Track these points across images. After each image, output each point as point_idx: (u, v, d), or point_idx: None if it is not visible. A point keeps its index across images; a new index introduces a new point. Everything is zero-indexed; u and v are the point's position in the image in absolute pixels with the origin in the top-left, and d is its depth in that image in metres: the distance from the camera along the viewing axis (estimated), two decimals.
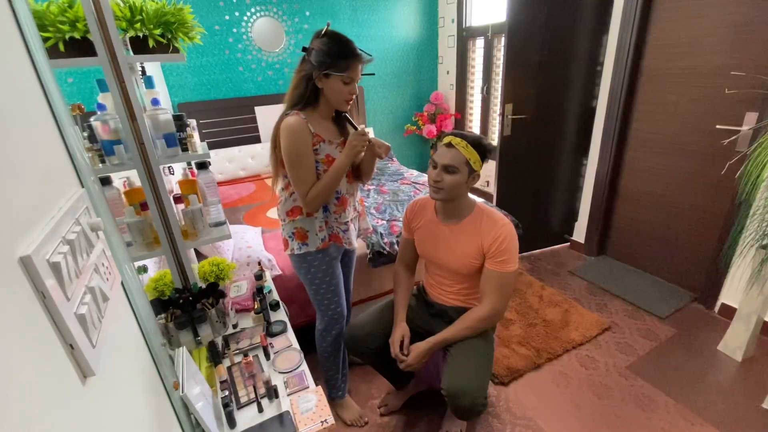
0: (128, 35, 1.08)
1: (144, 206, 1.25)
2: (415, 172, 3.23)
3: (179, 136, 1.22)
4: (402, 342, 1.40)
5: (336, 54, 1.22)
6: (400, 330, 1.42)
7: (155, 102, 1.19)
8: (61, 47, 1.02)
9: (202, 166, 1.35)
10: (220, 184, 3.23)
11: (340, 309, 1.54)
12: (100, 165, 1.16)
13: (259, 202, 2.83)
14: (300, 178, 1.30)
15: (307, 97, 1.30)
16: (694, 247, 2.32)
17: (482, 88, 3.68)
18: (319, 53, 1.22)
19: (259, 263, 1.71)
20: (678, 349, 1.98)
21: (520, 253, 1.33)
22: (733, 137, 1.96)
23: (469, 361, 1.31)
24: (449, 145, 1.26)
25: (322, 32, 1.24)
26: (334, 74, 1.23)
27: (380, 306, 1.55)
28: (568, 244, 3.07)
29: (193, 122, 1.35)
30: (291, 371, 1.30)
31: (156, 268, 1.65)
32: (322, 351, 1.59)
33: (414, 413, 1.70)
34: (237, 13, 3.18)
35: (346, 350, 1.63)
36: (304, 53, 1.28)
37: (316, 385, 1.24)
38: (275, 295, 1.68)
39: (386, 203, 2.55)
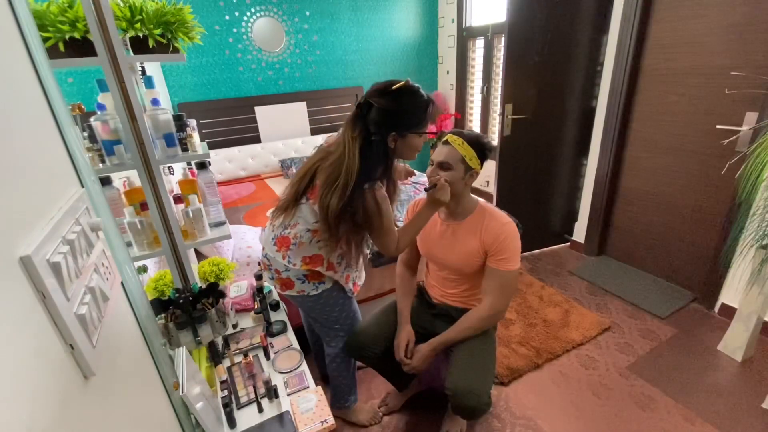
0: (128, 35, 1.08)
1: (144, 206, 1.25)
2: (416, 172, 3.23)
3: (179, 136, 1.23)
4: (407, 345, 1.40)
5: (423, 108, 1.15)
6: (405, 334, 1.41)
7: (155, 102, 1.19)
8: (61, 47, 1.02)
9: (202, 166, 1.35)
10: (220, 184, 3.23)
11: (359, 315, 1.50)
12: (100, 165, 1.16)
13: (259, 202, 2.83)
14: (389, 234, 1.22)
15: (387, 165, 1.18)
16: (694, 247, 2.32)
17: (482, 88, 3.68)
18: (398, 114, 1.12)
19: (259, 263, 1.71)
20: (678, 349, 1.98)
21: (521, 252, 1.33)
22: (733, 137, 1.95)
23: (472, 361, 1.31)
24: (446, 142, 1.27)
25: (397, 88, 1.11)
26: (417, 131, 1.16)
27: (382, 309, 1.54)
28: (568, 244, 3.07)
29: (193, 122, 1.35)
30: (291, 371, 1.30)
31: (156, 268, 1.65)
32: (338, 364, 1.50)
33: (414, 413, 1.70)
34: (237, 13, 3.18)
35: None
36: (361, 119, 1.13)
37: (316, 385, 1.24)
38: (275, 295, 1.68)
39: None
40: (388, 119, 1.12)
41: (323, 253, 1.26)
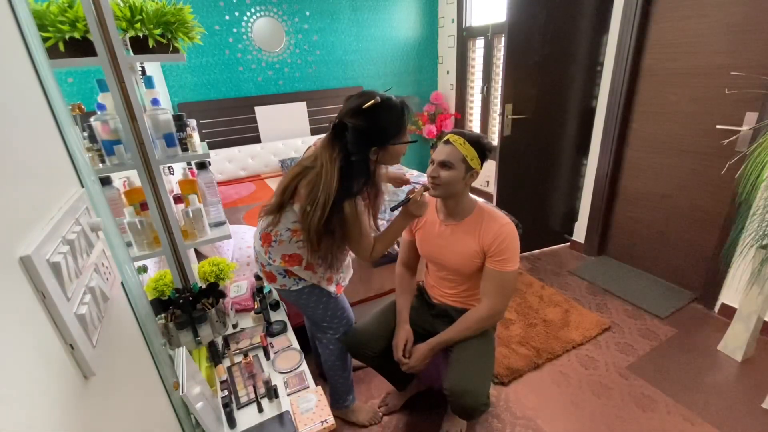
0: (128, 35, 1.08)
1: (144, 206, 1.25)
2: (416, 172, 3.23)
3: (179, 136, 1.23)
4: (405, 345, 1.40)
5: (400, 119, 1.15)
6: (404, 333, 1.41)
7: (155, 102, 1.19)
8: (61, 47, 1.02)
9: (202, 166, 1.35)
10: (220, 184, 3.22)
11: (349, 314, 1.50)
12: (100, 165, 1.16)
13: (259, 202, 2.83)
14: (363, 241, 1.25)
15: (370, 178, 1.20)
16: (694, 247, 2.32)
17: (482, 88, 3.68)
18: (376, 131, 1.13)
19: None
20: (678, 349, 1.97)
21: (520, 253, 1.33)
22: (733, 137, 1.95)
23: (471, 361, 1.31)
24: (447, 142, 1.28)
25: (369, 107, 1.10)
26: (398, 141, 1.17)
27: (382, 309, 1.55)
28: (568, 244, 3.07)
29: (193, 122, 1.35)
30: (291, 371, 1.30)
31: (156, 268, 1.65)
32: (332, 363, 1.51)
33: (414, 413, 1.70)
34: (237, 13, 3.18)
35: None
36: (338, 139, 1.14)
37: (316, 385, 1.24)
38: (275, 295, 1.68)
39: (386, 203, 2.55)
40: (367, 137, 1.13)
41: (302, 254, 1.28)
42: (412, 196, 1.24)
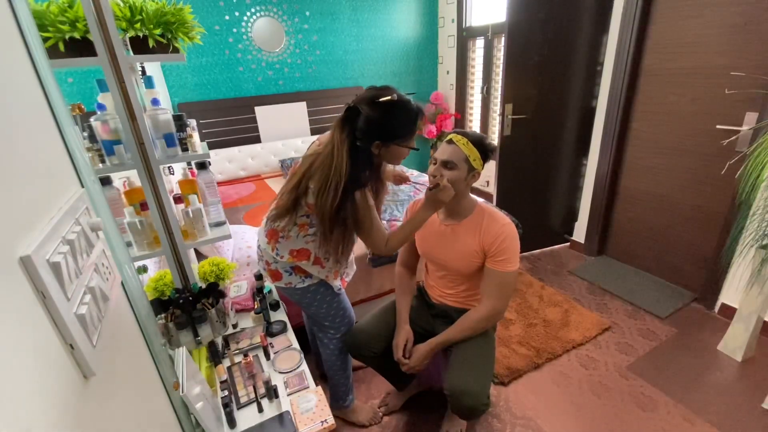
0: (128, 35, 1.08)
1: (144, 206, 1.25)
2: (415, 172, 3.23)
3: (179, 136, 1.23)
4: (405, 345, 1.40)
5: (410, 122, 1.16)
6: (404, 333, 1.41)
7: (155, 102, 1.19)
8: (61, 47, 1.02)
9: (202, 166, 1.35)
10: (220, 184, 3.22)
11: (350, 313, 1.50)
12: (100, 165, 1.16)
13: (259, 202, 2.83)
14: (375, 233, 1.24)
15: (373, 170, 1.22)
16: (695, 247, 2.32)
17: (482, 88, 3.68)
18: (384, 126, 1.13)
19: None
20: (678, 349, 1.97)
21: (520, 253, 1.33)
22: (733, 137, 1.95)
23: (471, 361, 1.31)
24: (450, 141, 1.28)
25: (384, 102, 1.11)
26: (402, 143, 1.17)
27: (382, 309, 1.55)
28: (568, 244, 3.07)
29: (193, 122, 1.35)
30: (291, 371, 1.30)
31: (156, 268, 1.65)
32: (332, 363, 1.51)
33: (414, 413, 1.70)
34: (237, 13, 3.18)
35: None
36: (349, 122, 1.14)
37: (316, 385, 1.24)
38: (275, 295, 1.69)
39: (386, 203, 2.55)
40: (374, 129, 1.13)
41: (310, 248, 1.29)
42: (441, 183, 1.21)
